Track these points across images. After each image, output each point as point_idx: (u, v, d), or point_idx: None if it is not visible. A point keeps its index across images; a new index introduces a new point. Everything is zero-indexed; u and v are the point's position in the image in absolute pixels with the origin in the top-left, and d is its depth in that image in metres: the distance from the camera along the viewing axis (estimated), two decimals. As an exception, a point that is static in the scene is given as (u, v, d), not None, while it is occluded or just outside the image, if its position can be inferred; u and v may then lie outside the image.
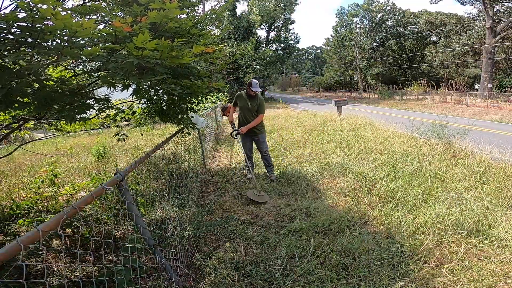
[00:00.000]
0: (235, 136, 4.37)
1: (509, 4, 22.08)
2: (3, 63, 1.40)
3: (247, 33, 30.93)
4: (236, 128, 4.34)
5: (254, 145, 4.57)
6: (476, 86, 26.04)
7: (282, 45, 33.30)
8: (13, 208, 2.83)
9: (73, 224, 2.40)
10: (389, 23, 36.15)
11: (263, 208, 3.44)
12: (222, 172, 5.02)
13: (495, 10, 21.19)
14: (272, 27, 32.46)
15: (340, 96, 32.09)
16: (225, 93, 15.16)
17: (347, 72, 39.84)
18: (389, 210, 3.04)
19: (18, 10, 1.28)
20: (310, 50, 72.60)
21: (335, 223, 2.85)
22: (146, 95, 2.69)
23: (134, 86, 2.03)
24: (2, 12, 1.43)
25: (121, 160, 6.21)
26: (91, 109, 1.93)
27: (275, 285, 2.07)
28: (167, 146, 2.86)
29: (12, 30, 1.27)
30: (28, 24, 1.23)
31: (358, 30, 34.96)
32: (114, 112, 3.18)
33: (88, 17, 1.77)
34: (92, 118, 2.71)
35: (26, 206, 2.88)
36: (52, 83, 1.71)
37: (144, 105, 3.09)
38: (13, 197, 3.45)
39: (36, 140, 4.45)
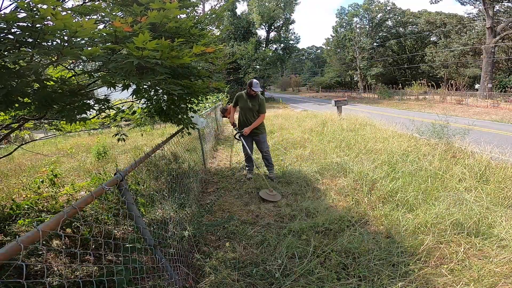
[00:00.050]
0: (238, 138, 4.36)
1: (509, 4, 22.10)
2: (3, 63, 1.40)
3: (247, 33, 30.93)
4: (239, 130, 4.34)
5: (254, 145, 4.57)
6: (476, 86, 26.05)
7: (282, 45, 33.32)
8: (13, 208, 2.83)
9: (73, 224, 2.40)
10: (389, 23, 36.16)
11: (263, 208, 3.44)
12: (222, 172, 5.02)
13: (495, 10, 21.20)
14: (272, 27, 32.46)
15: (340, 96, 32.11)
16: (225, 93, 15.14)
17: (347, 72, 39.89)
18: (389, 210, 3.04)
19: (18, 10, 1.28)
20: (310, 50, 72.60)
21: (335, 223, 2.85)
22: (146, 95, 2.70)
23: (134, 86, 2.03)
24: (2, 12, 1.43)
25: (121, 160, 6.21)
26: (91, 109, 1.93)
27: (275, 285, 2.07)
28: (167, 146, 2.86)
29: (12, 30, 1.27)
30: (28, 24, 1.23)
31: (358, 30, 34.97)
32: (114, 112, 3.18)
33: (88, 17, 1.77)
34: (92, 118, 2.71)
35: (26, 206, 2.88)
36: (52, 83, 1.71)
37: (144, 105, 3.09)
38: (13, 197, 3.45)
39: (36, 140, 4.45)
